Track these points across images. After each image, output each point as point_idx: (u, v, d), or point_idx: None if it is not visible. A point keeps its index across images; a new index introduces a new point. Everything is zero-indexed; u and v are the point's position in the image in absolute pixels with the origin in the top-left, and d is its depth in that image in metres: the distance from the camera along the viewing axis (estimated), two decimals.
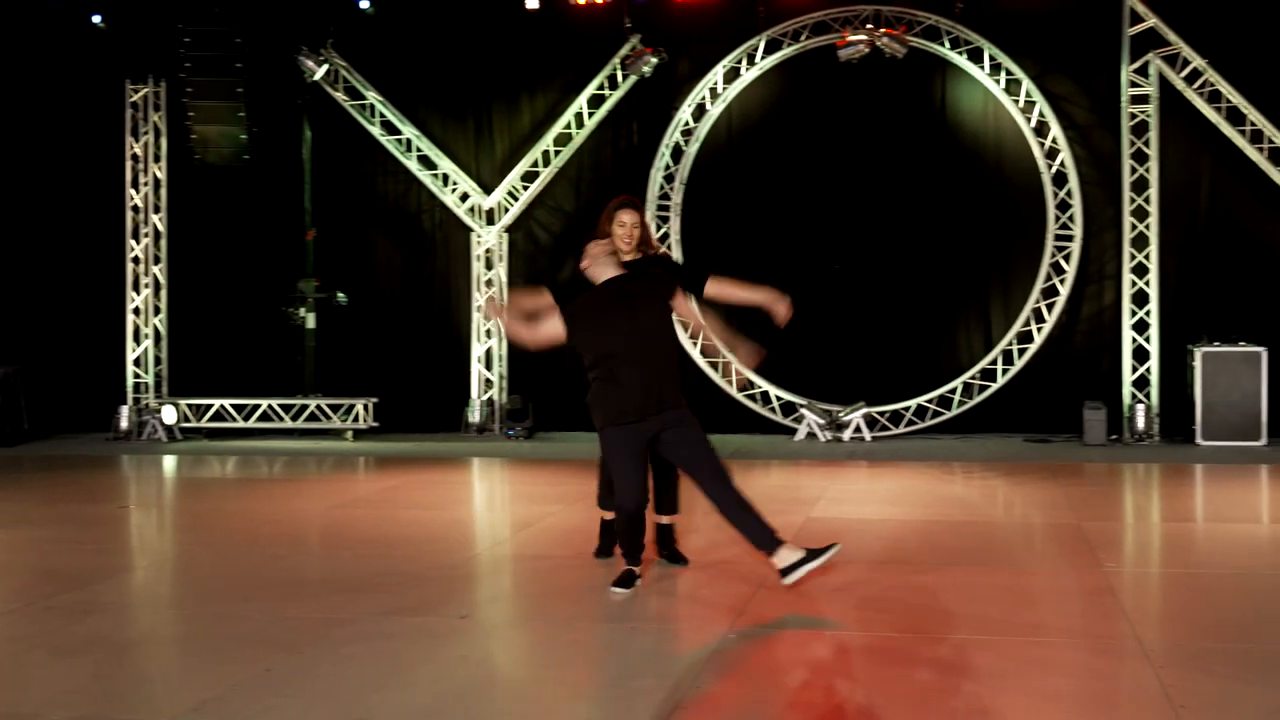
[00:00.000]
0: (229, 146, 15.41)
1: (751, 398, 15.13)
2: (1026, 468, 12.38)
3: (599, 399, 6.74)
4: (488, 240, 15.89)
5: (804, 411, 14.91)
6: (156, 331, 16.28)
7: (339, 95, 15.94)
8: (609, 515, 7.46)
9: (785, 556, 6.50)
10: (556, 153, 15.68)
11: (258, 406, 15.77)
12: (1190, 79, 14.12)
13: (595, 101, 15.58)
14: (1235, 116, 14.02)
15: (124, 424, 15.79)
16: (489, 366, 15.94)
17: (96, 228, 16.38)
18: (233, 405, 15.81)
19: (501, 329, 7.31)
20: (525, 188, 15.80)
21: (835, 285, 15.09)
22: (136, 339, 16.23)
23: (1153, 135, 14.27)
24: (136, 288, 16.22)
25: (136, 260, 16.22)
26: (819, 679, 5.39)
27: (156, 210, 16.28)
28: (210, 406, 15.83)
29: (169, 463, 13.80)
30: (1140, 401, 14.30)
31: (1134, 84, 14.29)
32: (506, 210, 15.89)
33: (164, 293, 16.31)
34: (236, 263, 16.34)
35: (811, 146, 15.18)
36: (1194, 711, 4.83)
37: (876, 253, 15.06)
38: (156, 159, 16.26)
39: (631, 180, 15.53)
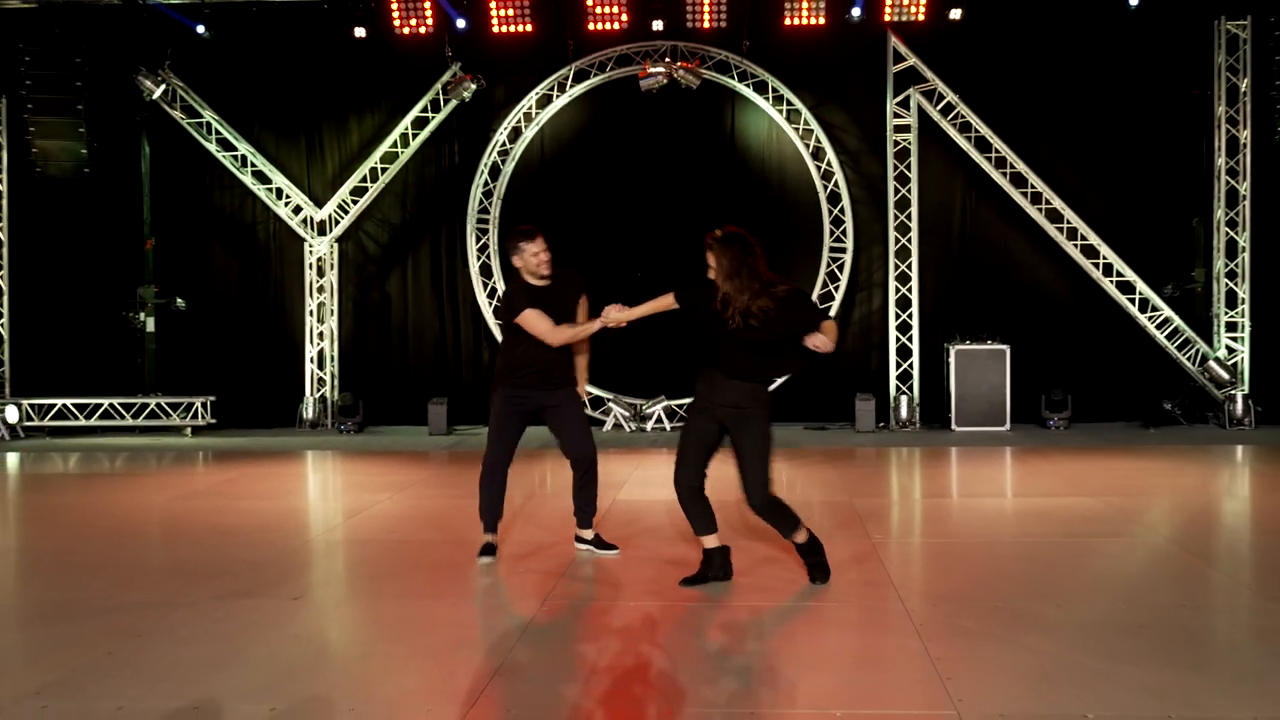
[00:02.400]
0: (69, 160, 14.86)
1: None
2: (806, 452, 12.66)
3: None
4: (320, 250, 15.58)
5: (611, 405, 15.00)
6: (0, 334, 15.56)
7: (176, 113, 15.45)
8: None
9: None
10: (383, 169, 15.47)
11: (99, 405, 15.20)
12: (945, 111, 14.63)
13: (419, 123, 15.42)
14: (983, 145, 14.59)
15: None
16: (321, 366, 15.64)
17: None
18: (75, 404, 15.20)
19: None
20: (354, 202, 15.54)
21: (638, 291, 15.13)
22: None
23: (913, 160, 14.76)
24: None
25: None
26: (622, 645, 5.42)
27: None
28: (53, 406, 15.21)
29: (11, 459, 13.17)
30: (904, 393, 14.76)
31: (897, 115, 14.75)
32: (337, 222, 15.61)
33: (6, 298, 15.61)
34: (78, 270, 15.73)
35: (616, 166, 15.28)
36: (948, 661, 5.01)
37: (674, 261, 15.13)
38: None
39: (453, 196, 15.45)
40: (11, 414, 15.05)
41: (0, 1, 14.91)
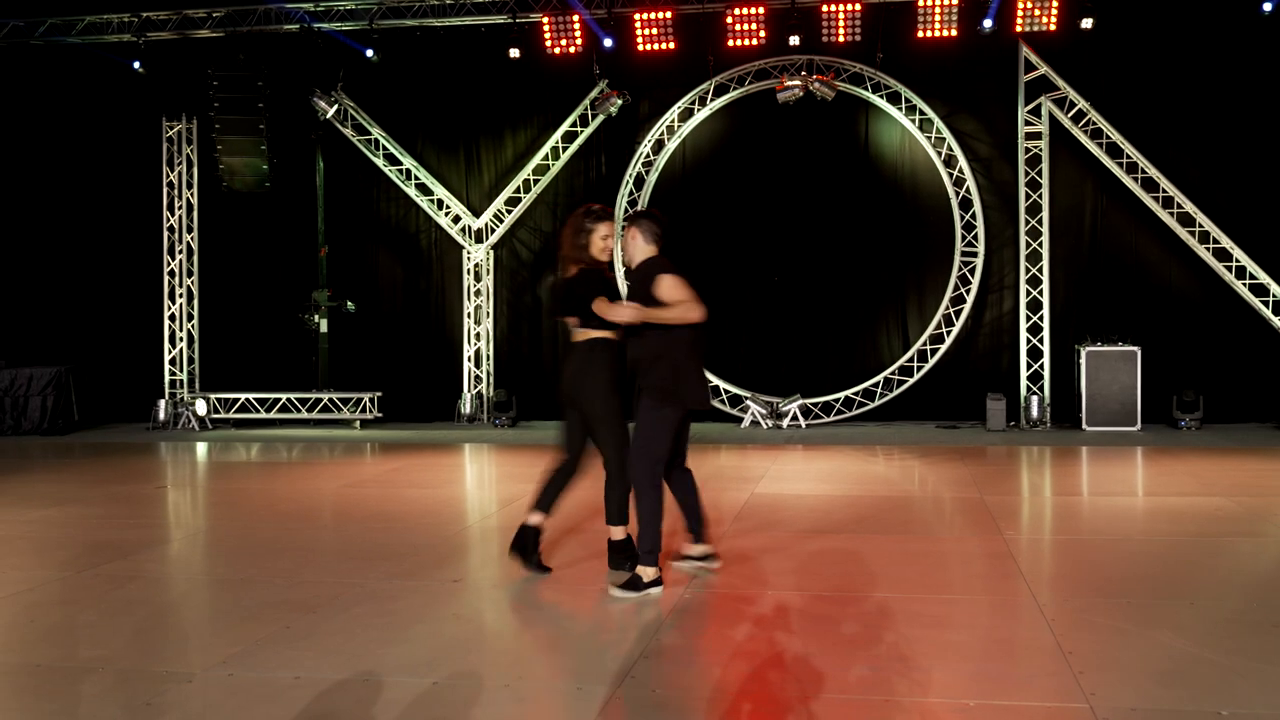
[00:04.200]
0: (252, 175, 15.38)
1: None
2: (938, 450, 12.44)
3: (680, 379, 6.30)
4: (477, 256, 15.84)
5: (748, 402, 14.94)
6: (189, 335, 16.19)
7: (348, 131, 15.87)
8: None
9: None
10: (535, 181, 15.65)
11: (278, 400, 15.69)
12: (1076, 119, 14.22)
13: (569, 137, 15.57)
14: (1114, 150, 14.13)
15: (161, 415, 15.69)
16: (478, 365, 15.90)
17: (137, 245, 16.29)
18: (256, 399, 15.73)
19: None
20: (509, 211, 15.77)
21: (775, 294, 15.15)
22: (172, 341, 16.12)
23: (1044, 166, 14.37)
24: (172, 297, 16.11)
25: (172, 273, 16.12)
26: (761, 631, 5.39)
27: (189, 230, 16.18)
28: (237, 400, 15.76)
29: (200, 449, 13.69)
30: (1034, 393, 14.39)
31: (1028, 123, 14.38)
32: (493, 230, 15.86)
33: (196, 301, 16.23)
34: (259, 276, 16.28)
35: (754, 176, 15.21)
36: (1080, 656, 4.87)
37: (810, 266, 15.10)
38: (189, 186, 16.16)
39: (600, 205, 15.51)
40: (201, 407, 15.65)
41: (191, 31, 15.53)
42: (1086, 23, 13.81)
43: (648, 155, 15.42)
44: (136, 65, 15.43)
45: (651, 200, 15.42)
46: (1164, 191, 13.99)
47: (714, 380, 15.09)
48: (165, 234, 16.11)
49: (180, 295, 16.11)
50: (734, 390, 15.11)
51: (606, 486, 6.51)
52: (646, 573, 6.14)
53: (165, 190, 16.12)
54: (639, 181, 15.45)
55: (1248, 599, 5.90)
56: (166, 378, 16.06)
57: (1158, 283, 14.41)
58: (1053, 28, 13.94)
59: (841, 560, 6.89)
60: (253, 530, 8.26)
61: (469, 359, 15.86)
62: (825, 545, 7.31)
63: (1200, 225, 13.93)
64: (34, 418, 15.32)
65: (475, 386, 15.88)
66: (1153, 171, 14.00)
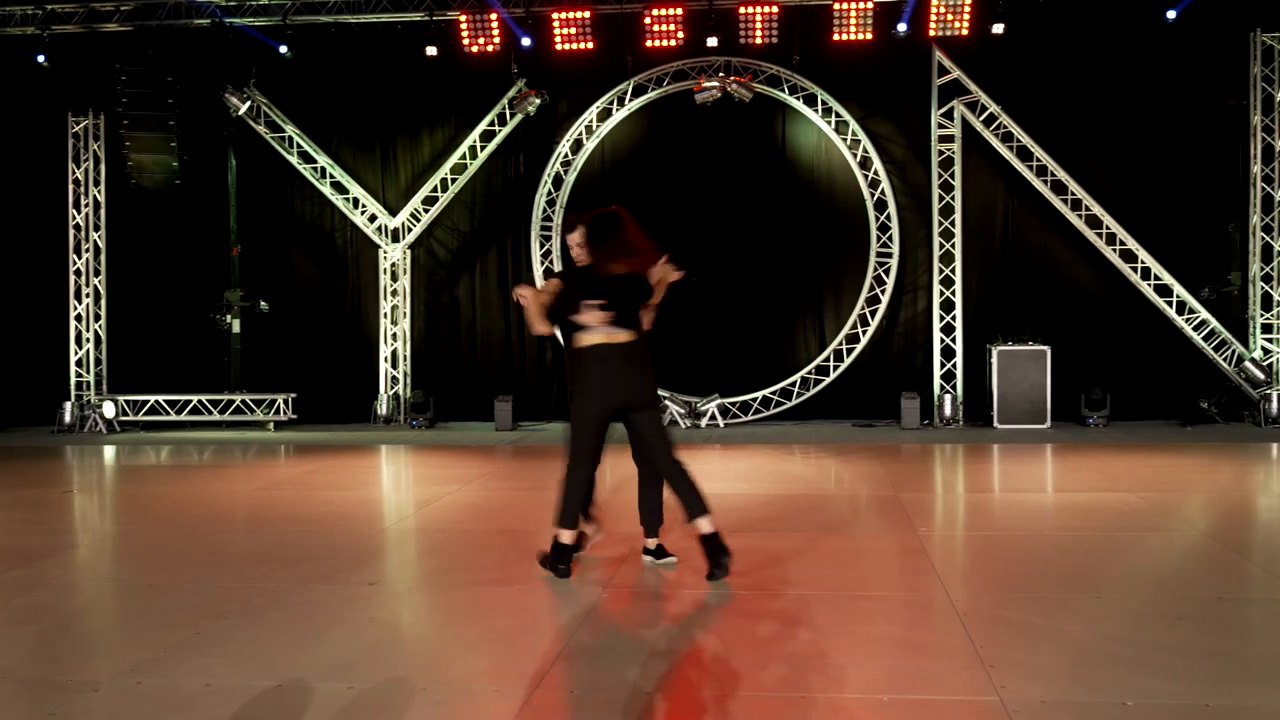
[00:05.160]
0: (162, 172, 15.10)
1: None
2: (854, 448, 12.58)
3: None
4: (393, 256, 15.71)
5: (667, 402, 14.98)
6: (97, 335, 15.83)
7: (260, 128, 15.64)
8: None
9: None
10: (453, 180, 15.56)
11: (189, 401, 15.42)
12: (987, 122, 14.49)
13: (487, 136, 15.50)
14: (1024, 153, 14.43)
15: (68, 418, 15.34)
16: (395, 365, 15.76)
17: (42, 244, 15.90)
18: (166, 400, 15.44)
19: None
20: (426, 210, 15.66)
21: (693, 294, 15.16)
22: (79, 342, 15.75)
23: (957, 169, 14.63)
24: (79, 297, 15.75)
25: (79, 273, 15.75)
26: (678, 630, 5.41)
27: (96, 229, 15.83)
28: (146, 402, 15.45)
29: (109, 452, 13.39)
30: (947, 392, 14.63)
31: (941, 125, 14.62)
32: (410, 230, 15.73)
33: (103, 301, 15.88)
34: (169, 275, 15.98)
35: (673, 176, 15.27)
36: (991, 649, 4.95)
37: (728, 266, 15.20)
38: (96, 183, 15.81)
39: (518, 205, 15.50)
40: (109, 409, 15.31)
41: (99, 25, 15.18)
42: (998, 28, 14.08)
43: (566, 155, 15.40)
44: (41, 59, 15.05)
45: (570, 200, 15.41)
46: (1072, 194, 14.31)
47: None
48: (71, 232, 15.74)
49: (87, 295, 15.75)
50: None
51: (657, 486, 6.56)
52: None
53: (71, 187, 15.74)
54: (558, 181, 15.43)
55: (1154, 592, 6.05)
56: (73, 379, 15.69)
57: (1067, 283, 14.74)
58: (965, 32, 14.19)
59: (759, 559, 6.93)
60: (163, 535, 8.10)
61: (386, 359, 15.72)
62: (743, 544, 7.34)
63: (1108, 227, 14.27)
64: None
65: (392, 387, 15.74)
66: (1061, 175, 14.31)
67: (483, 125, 15.46)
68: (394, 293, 15.76)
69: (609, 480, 10.58)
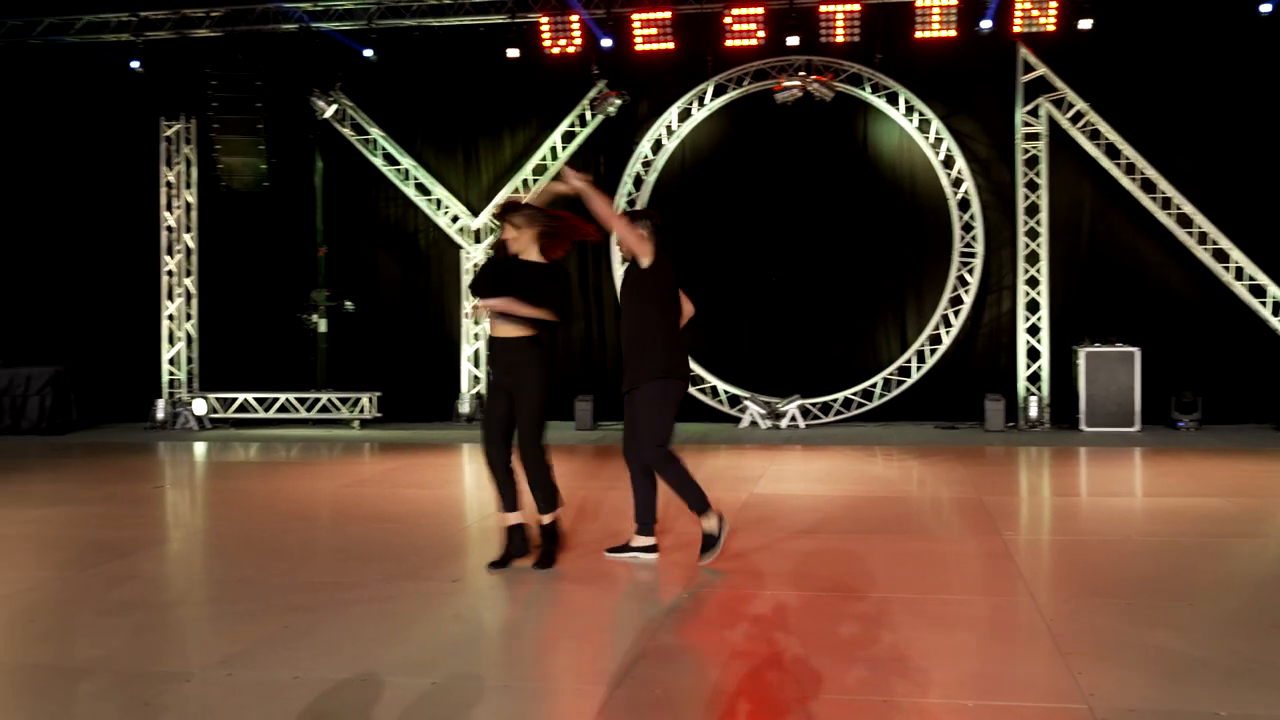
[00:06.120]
0: (251, 175, 15.38)
1: (701, 390, 15.15)
2: (936, 450, 12.44)
3: (675, 359, 6.70)
4: (476, 256, 15.84)
5: (747, 403, 14.94)
6: (188, 335, 16.18)
7: (346, 131, 15.87)
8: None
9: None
10: (535, 180, 15.64)
11: (276, 399, 15.70)
12: (1074, 119, 14.23)
13: (567, 137, 15.57)
14: (1112, 151, 14.14)
15: (160, 415, 15.69)
16: (477, 364, 15.90)
17: (136, 245, 16.26)
18: (255, 398, 15.73)
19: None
20: None
21: (773, 294, 15.15)
22: (171, 341, 16.11)
23: (1043, 167, 14.38)
24: (170, 297, 16.11)
25: (170, 273, 16.11)
26: (759, 631, 5.40)
27: (188, 230, 16.17)
28: (235, 399, 15.76)
29: (199, 449, 13.69)
30: (1033, 394, 14.39)
31: (1027, 123, 14.39)
32: (491, 231, 15.86)
33: (194, 301, 16.22)
34: (258, 275, 16.27)
35: (753, 176, 15.21)
36: (1078, 656, 4.87)
37: (809, 267, 15.10)
38: (188, 186, 16.16)
39: None
40: (200, 407, 15.65)
41: (190, 31, 15.52)
42: (1085, 23, 13.82)
43: (647, 155, 15.42)
44: (135, 65, 15.42)
45: (650, 200, 15.42)
46: (1162, 192, 14.00)
47: (712, 380, 15.11)
48: (163, 234, 16.10)
49: (179, 295, 16.11)
50: (733, 390, 15.11)
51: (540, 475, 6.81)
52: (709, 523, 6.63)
53: (163, 190, 16.11)
54: (638, 182, 15.45)
55: (1246, 600, 5.90)
56: (165, 377, 16.05)
57: (1156, 284, 14.42)
58: (1051, 28, 13.94)
59: (840, 560, 6.89)
60: (251, 530, 8.26)
61: (468, 359, 15.87)
62: (823, 545, 7.31)
63: (1199, 226, 13.94)
64: (32, 417, 15.31)
65: (474, 387, 15.88)
66: (1151, 172, 14.01)
67: (563, 126, 15.53)
68: None
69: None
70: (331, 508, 9.44)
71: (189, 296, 16.18)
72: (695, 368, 15.05)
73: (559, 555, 6.86)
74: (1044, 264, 14.41)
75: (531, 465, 6.68)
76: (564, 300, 6.87)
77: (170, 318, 16.10)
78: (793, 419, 14.77)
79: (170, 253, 16.11)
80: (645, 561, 6.85)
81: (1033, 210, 14.42)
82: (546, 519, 6.82)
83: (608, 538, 7.43)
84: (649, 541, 6.97)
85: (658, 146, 15.39)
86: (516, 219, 6.74)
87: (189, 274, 16.17)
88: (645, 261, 6.69)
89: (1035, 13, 13.89)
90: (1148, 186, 14.04)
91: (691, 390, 15.03)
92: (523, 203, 6.96)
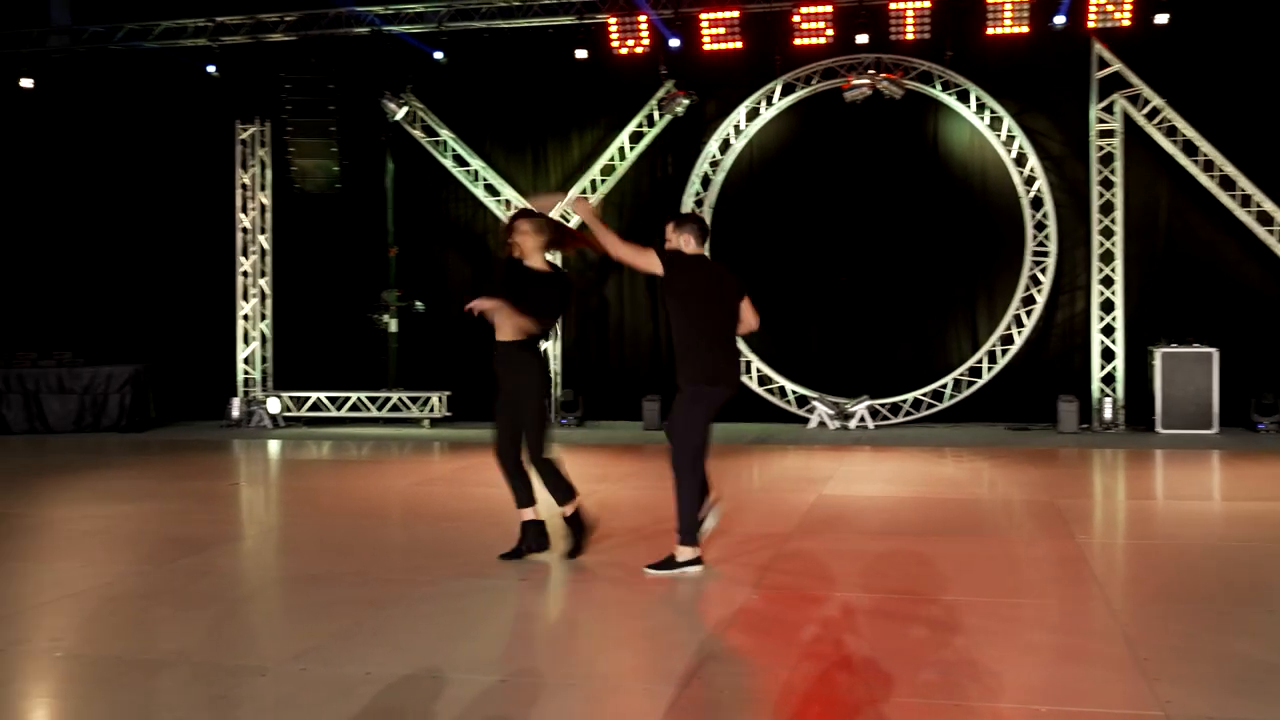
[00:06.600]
0: (323, 177, 15.60)
1: (770, 390, 15.10)
2: (1008, 452, 12.29)
3: (706, 364, 6.67)
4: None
5: (815, 403, 14.85)
6: (263, 334, 16.43)
7: (417, 133, 16.03)
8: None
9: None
10: (602, 181, 15.69)
11: (348, 398, 15.89)
12: (1150, 116, 13.98)
13: (635, 137, 15.59)
14: (1190, 148, 13.87)
15: (235, 413, 15.95)
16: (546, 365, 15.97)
17: (212, 246, 16.54)
18: (327, 397, 15.94)
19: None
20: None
21: (842, 294, 15.05)
22: (246, 340, 16.38)
23: (1118, 165, 14.14)
24: (246, 297, 16.37)
25: (246, 274, 16.37)
26: (828, 634, 5.37)
27: (263, 231, 16.42)
28: (308, 398, 15.98)
29: (273, 446, 13.90)
30: (1107, 395, 14.16)
31: (1101, 120, 14.16)
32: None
33: (269, 301, 16.47)
34: (330, 276, 16.49)
35: (822, 175, 15.13)
36: (1154, 663, 4.79)
37: (878, 266, 14.99)
38: (262, 188, 16.41)
39: (666, 205, 15.51)
40: (274, 405, 15.89)
41: (264, 35, 15.77)
42: (1161, 18, 13.56)
43: (715, 155, 15.40)
44: (211, 69, 15.70)
45: (718, 201, 15.39)
46: (1241, 189, 13.70)
47: (781, 381, 15.05)
48: (239, 235, 16.37)
49: (254, 295, 16.37)
50: (801, 391, 15.04)
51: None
52: (683, 552, 6.58)
53: (239, 192, 16.38)
54: (706, 182, 15.43)
55: None
56: (240, 376, 16.32)
57: (1235, 282, 14.11)
58: (1126, 23, 13.70)
59: (910, 562, 6.83)
60: (324, 527, 8.38)
61: None
62: (893, 547, 7.25)
63: (1279, 223, 13.63)
64: (112, 415, 15.65)
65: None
66: (1230, 169, 13.72)
67: (631, 126, 15.56)
68: None
69: (755, 482, 10.57)
70: (402, 506, 9.54)
71: (264, 297, 16.44)
72: (763, 367, 15.00)
73: (587, 543, 7.06)
74: (1119, 263, 14.17)
75: (538, 466, 7.00)
76: (552, 308, 7.21)
77: (245, 318, 16.37)
78: (861, 420, 14.66)
79: (245, 254, 16.38)
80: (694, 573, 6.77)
81: (1107, 208, 14.19)
82: (567, 511, 7.07)
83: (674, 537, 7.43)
84: (708, 521, 7.02)
85: (725, 146, 15.36)
86: (525, 225, 7.05)
87: (264, 274, 16.42)
88: (663, 272, 6.73)
89: (1110, 8, 13.66)
90: (1226, 183, 13.75)
91: (759, 390, 15.02)
92: (535, 212, 7.20)
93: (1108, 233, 14.20)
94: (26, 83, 16.08)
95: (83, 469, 11.97)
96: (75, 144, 16.96)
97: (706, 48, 14.81)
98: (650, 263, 6.75)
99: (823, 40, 14.47)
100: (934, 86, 14.64)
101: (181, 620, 5.73)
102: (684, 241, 6.83)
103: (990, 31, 14.02)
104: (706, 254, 7.09)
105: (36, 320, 17.04)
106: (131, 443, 14.36)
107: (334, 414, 15.91)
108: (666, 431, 6.88)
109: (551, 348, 15.92)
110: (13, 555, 7.43)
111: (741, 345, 14.85)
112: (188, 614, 5.85)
